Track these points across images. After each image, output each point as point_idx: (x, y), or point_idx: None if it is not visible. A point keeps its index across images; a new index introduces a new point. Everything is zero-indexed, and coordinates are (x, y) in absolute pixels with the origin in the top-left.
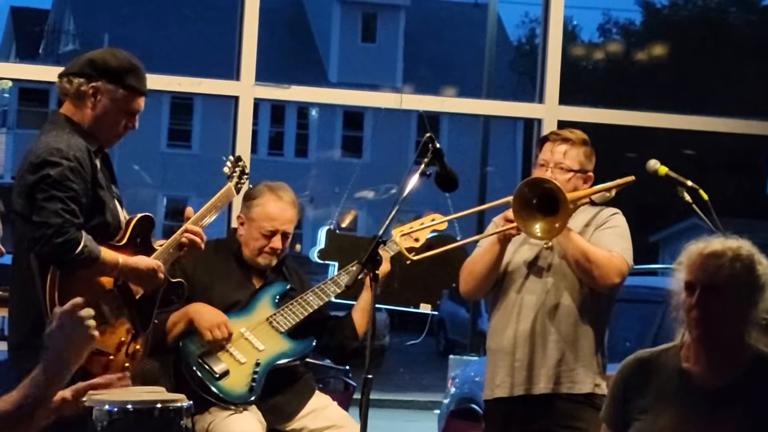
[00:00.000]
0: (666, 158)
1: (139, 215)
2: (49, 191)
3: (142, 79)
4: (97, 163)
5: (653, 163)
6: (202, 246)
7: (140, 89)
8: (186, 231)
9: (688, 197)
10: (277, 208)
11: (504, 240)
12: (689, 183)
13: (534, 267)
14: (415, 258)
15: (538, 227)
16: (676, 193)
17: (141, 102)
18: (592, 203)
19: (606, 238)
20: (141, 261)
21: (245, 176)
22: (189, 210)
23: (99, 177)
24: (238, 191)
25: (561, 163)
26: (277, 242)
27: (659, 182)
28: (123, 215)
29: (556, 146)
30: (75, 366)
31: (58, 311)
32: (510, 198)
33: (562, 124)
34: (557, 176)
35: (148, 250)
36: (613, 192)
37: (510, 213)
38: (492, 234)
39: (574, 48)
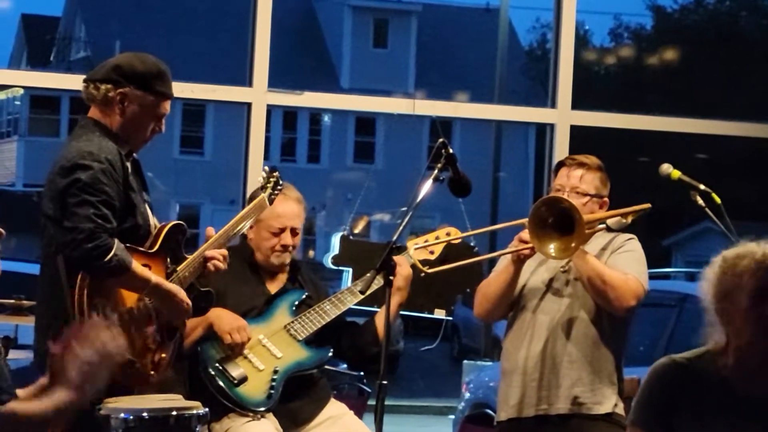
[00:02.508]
0: (678, 162)
1: (171, 223)
2: (80, 195)
3: (169, 83)
4: (128, 166)
5: (666, 168)
6: (225, 266)
7: (168, 94)
8: (209, 258)
9: (701, 201)
10: (283, 205)
11: (518, 262)
12: (702, 187)
13: (549, 289)
14: (430, 271)
15: (552, 247)
16: (688, 197)
17: (168, 106)
18: (609, 229)
19: (622, 262)
20: (175, 290)
21: (279, 187)
22: (210, 230)
23: (130, 180)
24: (271, 202)
25: (577, 187)
26: (287, 238)
27: (672, 186)
28: (154, 221)
29: (572, 171)
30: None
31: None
32: (525, 220)
33: (575, 129)
34: (574, 201)
35: (179, 259)
36: (629, 219)
37: (524, 234)
38: (505, 253)
39: (586, 53)
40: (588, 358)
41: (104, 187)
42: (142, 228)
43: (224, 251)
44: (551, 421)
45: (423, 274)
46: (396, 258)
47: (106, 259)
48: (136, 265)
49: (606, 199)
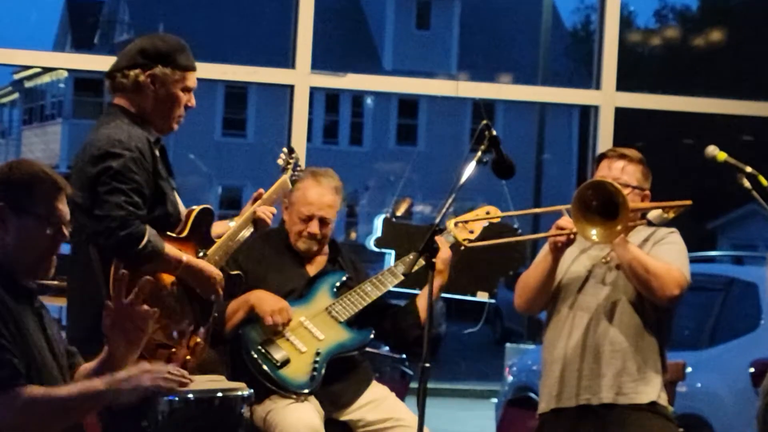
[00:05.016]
0: (724, 144)
1: (199, 207)
2: (111, 183)
3: (191, 56)
4: (157, 153)
5: (712, 150)
6: (270, 223)
7: (192, 66)
8: (259, 217)
9: (747, 183)
10: (315, 192)
11: (555, 250)
12: (748, 169)
13: (590, 280)
14: (470, 245)
15: (594, 231)
16: (733, 180)
17: (194, 78)
18: (650, 224)
19: (664, 253)
20: (205, 265)
21: (299, 168)
22: (260, 191)
23: (159, 167)
24: (292, 183)
25: (619, 178)
26: (314, 227)
27: (717, 168)
28: (181, 207)
29: (614, 162)
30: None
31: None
32: (566, 206)
33: (620, 111)
34: None
35: (208, 243)
36: (671, 214)
37: (561, 221)
38: (544, 236)
39: (631, 34)
40: (632, 347)
41: (134, 176)
42: (173, 216)
43: (273, 209)
44: (594, 411)
45: (463, 248)
46: (436, 239)
47: (141, 246)
48: (168, 247)
49: (647, 192)
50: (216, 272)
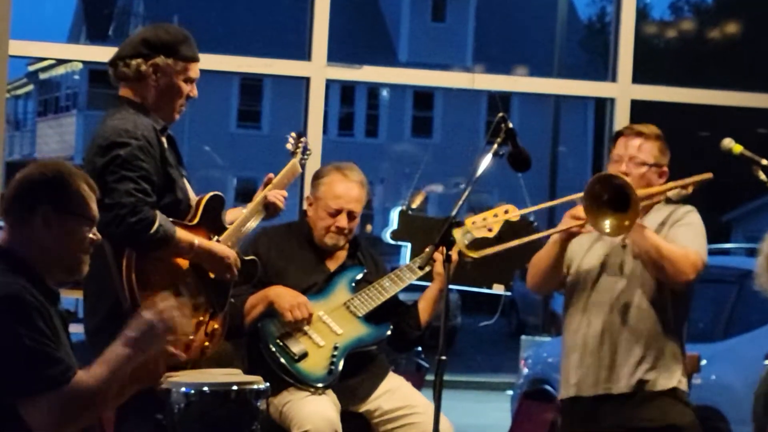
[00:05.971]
0: (739, 137)
1: (209, 194)
2: (119, 172)
3: (194, 47)
4: (164, 141)
5: (728, 142)
6: (282, 207)
7: (195, 57)
8: (270, 201)
9: (762, 176)
10: (343, 186)
11: (567, 236)
12: (764, 161)
13: (607, 267)
14: (472, 256)
15: (607, 223)
16: (749, 172)
17: (197, 69)
18: (668, 201)
19: (681, 236)
20: (217, 246)
21: (308, 152)
22: (270, 175)
23: (167, 155)
24: (302, 167)
25: (635, 156)
26: (342, 221)
27: (732, 161)
28: (192, 195)
29: (630, 140)
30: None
31: (147, 317)
32: (579, 195)
33: (635, 104)
34: (632, 170)
35: (219, 229)
36: (690, 189)
37: (575, 211)
38: (557, 231)
39: (646, 26)
40: (651, 336)
41: (142, 163)
42: (183, 203)
43: (284, 192)
44: (614, 400)
45: (470, 255)
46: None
47: (152, 232)
48: (179, 231)
49: (665, 168)
50: (229, 252)
